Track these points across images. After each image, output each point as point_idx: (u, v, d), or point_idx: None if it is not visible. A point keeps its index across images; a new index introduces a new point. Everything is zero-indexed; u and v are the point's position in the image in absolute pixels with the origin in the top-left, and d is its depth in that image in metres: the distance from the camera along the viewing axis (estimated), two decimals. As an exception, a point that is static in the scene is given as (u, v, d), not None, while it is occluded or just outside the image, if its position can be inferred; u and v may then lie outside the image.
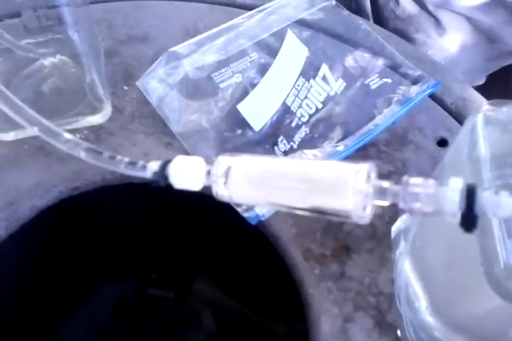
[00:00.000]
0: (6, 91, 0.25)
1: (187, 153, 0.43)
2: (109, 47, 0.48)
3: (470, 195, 0.18)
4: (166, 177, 0.23)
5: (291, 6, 0.49)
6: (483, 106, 0.26)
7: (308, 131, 0.43)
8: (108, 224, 0.64)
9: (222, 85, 0.45)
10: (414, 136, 0.44)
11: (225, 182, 0.22)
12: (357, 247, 0.39)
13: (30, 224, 0.42)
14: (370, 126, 0.42)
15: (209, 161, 0.23)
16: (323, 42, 0.47)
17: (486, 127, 0.25)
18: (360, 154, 0.42)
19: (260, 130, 0.43)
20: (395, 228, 0.38)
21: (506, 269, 0.21)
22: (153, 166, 0.23)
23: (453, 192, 0.18)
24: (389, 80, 0.44)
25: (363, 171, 0.19)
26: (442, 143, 0.44)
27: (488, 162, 0.24)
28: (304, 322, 0.38)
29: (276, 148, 0.43)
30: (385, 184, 0.19)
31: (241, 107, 0.44)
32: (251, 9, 0.48)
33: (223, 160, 0.22)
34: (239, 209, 0.39)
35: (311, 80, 0.44)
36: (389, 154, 0.43)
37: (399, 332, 0.35)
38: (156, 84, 0.44)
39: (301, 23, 0.48)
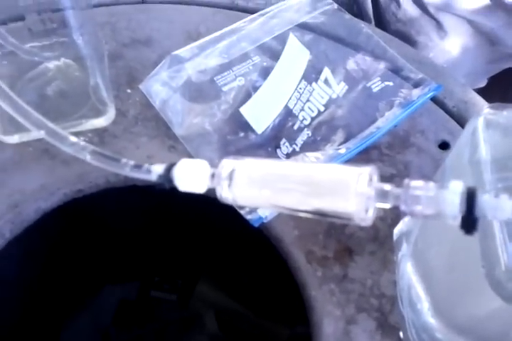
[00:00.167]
0: (13, 95, 0.25)
1: (190, 156, 0.43)
2: (113, 50, 0.48)
3: (470, 197, 0.18)
4: (170, 180, 0.23)
5: (293, 10, 0.49)
6: (484, 109, 0.27)
7: (310, 134, 0.43)
8: (111, 227, 0.65)
9: (224, 88, 0.45)
10: (416, 139, 0.44)
11: (229, 185, 0.22)
12: (359, 249, 0.39)
13: (34, 226, 0.42)
14: (372, 128, 0.42)
15: (212, 164, 0.24)
16: (325, 46, 0.47)
17: (487, 130, 0.25)
18: (362, 157, 0.42)
19: (263, 133, 0.44)
20: (397, 230, 0.39)
21: (507, 271, 0.21)
22: (158, 169, 0.23)
23: (453, 195, 0.18)
24: (391, 83, 0.45)
25: (365, 174, 0.20)
26: (444, 145, 0.44)
27: (489, 165, 0.24)
28: (307, 324, 0.39)
29: (278, 150, 0.43)
30: (387, 187, 0.20)
31: (244, 110, 0.44)
32: (253, 13, 0.49)
33: (227, 163, 0.23)
34: (242, 212, 0.39)
35: (313, 83, 0.45)
36: (391, 157, 0.43)
37: (401, 334, 0.35)
38: (159, 87, 0.45)
39: (303, 27, 0.48)
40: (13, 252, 0.42)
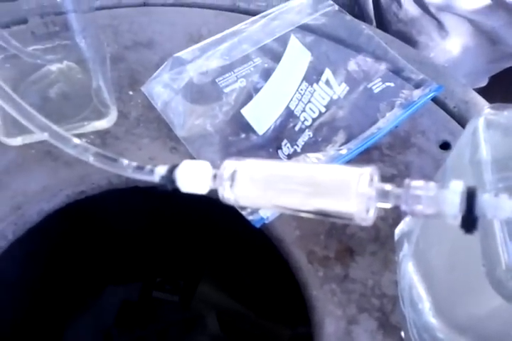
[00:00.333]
0: (16, 97, 0.26)
1: (192, 157, 0.43)
2: (115, 52, 0.49)
3: (470, 197, 0.18)
4: (173, 181, 0.23)
5: (295, 12, 0.49)
6: (485, 109, 0.27)
7: (311, 135, 0.43)
8: (113, 228, 0.65)
9: (226, 90, 0.45)
10: (417, 140, 0.45)
11: (231, 186, 0.22)
12: (360, 250, 0.39)
13: (37, 227, 0.42)
14: (373, 129, 0.43)
15: (214, 165, 0.24)
16: (326, 47, 0.47)
17: (488, 130, 0.26)
18: (363, 157, 0.42)
19: (264, 134, 0.44)
20: (398, 230, 0.39)
21: (508, 270, 0.21)
22: (161, 170, 0.24)
23: (453, 194, 0.18)
24: (391, 84, 0.45)
25: (366, 174, 0.20)
26: (445, 146, 0.44)
27: (489, 165, 0.24)
28: (308, 324, 0.39)
29: (279, 151, 0.43)
30: (388, 187, 0.20)
31: (245, 111, 0.44)
32: (254, 15, 0.49)
33: (229, 164, 0.23)
34: (243, 213, 0.39)
35: (315, 84, 0.45)
36: (392, 157, 0.44)
37: (403, 334, 0.36)
38: (161, 89, 0.45)
39: (305, 28, 0.48)
40: (15, 253, 0.43)
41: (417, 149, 0.44)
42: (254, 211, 0.39)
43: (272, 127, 0.44)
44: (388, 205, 0.20)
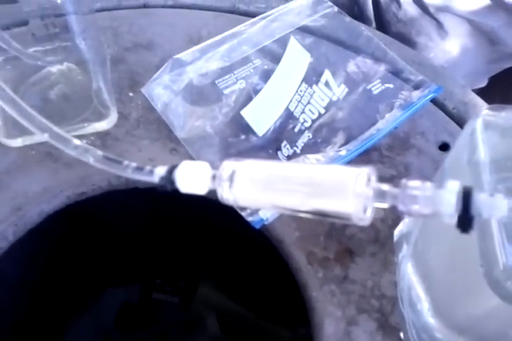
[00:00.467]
0: (17, 99, 0.26)
1: (192, 159, 0.43)
2: (115, 54, 0.49)
3: (466, 197, 0.18)
4: (172, 182, 0.23)
5: (294, 13, 0.50)
6: (483, 110, 0.27)
7: (311, 136, 0.43)
8: (113, 229, 0.65)
9: (226, 91, 0.45)
10: (416, 141, 0.45)
11: (230, 186, 0.22)
12: (360, 251, 0.40)
13: (37, 229, 0.42)
14: (372, 130, 0.43)
15: (213, 166, 0.24)
16: (326, 49, 0.48)
17: (486, 131, 0.26)
18: (362, 158, 0.42)
19: (264, 135, 0.44)
20: (397, 231, 0.39)
21: (505, 271, 0.21)
22: (160, 171, 0.24)
23: (450, 194, 0.18)
24: (391, 85, 0.45)
25: (363, 175, 0.20)
26: (444, 147, 0.45)
27: (487, 166, 0.24)
28: (308, 325, 0.39)
29: (279, 152, 0.43)
30: (385, 187, 0.20)
31: (245, 113, 0.45)
32: (254, 16, 0.49)
33: (228, 165, 0.23)
34: (243, 214, 0.40)
35: (314, 86, 0.45)
36: (391, 158, 0.44)
37: (402, 335, 0.36)
38: (161, 90, 0.45)
39: (304, 30, 0.49)
40: (16, 254, 0.43)
41: (417, 150, 0.44)
42: (254, 212, 0.40)
43: (272, 128, 0.44)
44: (385, 205, 0.20)
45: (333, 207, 0.20)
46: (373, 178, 0.20)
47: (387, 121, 0.43)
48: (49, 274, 0.63)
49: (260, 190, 0.22)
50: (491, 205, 0.18)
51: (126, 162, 0.25)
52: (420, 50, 0.74)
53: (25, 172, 0.42)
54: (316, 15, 0.50)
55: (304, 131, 0.43)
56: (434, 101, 0.47)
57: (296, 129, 0.44)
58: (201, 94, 0.45)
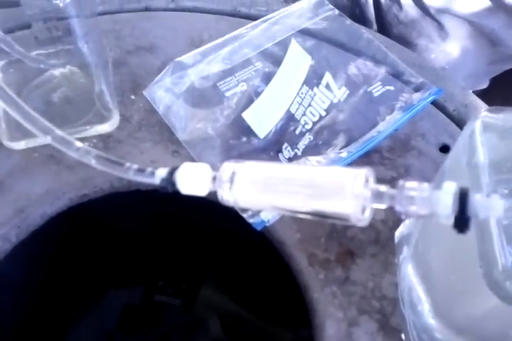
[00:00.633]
0: (20, 102, 0.26)
1: (193, 161, 0.44)
2: (117, 57, 0.49)
3: (462, 198, 0.18)
4: (173, 183, 0.23)
5: (295, 16, 0.50)
6: (482, 112, 0.27)
7: (312, 138, 0.43)
8: (115, 231, 0.65)
9: (227, 94, 0.46)
10: (417, 142, 0.45)
11: (230, 188, 0.22)
12: (361, 252, 0.40)
13: (40, 230, 0.42)
14: (373, 132, 0.43)
15: (214, 168, 0.24)
16: (327, 51, 0.48)
17: (484, 133, 0.26)
18: (363, 160, 0.43)
19: (265, 137, 0.44)
20: (398, 233, 0.39)
21: (504, 271, 0.22)
22: (161, 173, 0.24)
23: (446, 195, 0.19)
24: (391, 88, 0.45)
25: (361, 176, 0.20)
26: (445, 149, 0.45)
27: (486, 168, 0.25)
28: (310, 327, 0.39)
29: (280, 155, 0.43)
30: (382, 188, 0.20)
31: (246, 115, 0.45)
32: (255, 19, 0.49)
33: (228, 166, 0.23)
34: (244, 215, 0.40)
35: (315, 88, 0.45)
36: (392, 160, 0.44)
37: (403, 336, 0.36)
38: (163, 93, 0.45)
39: (305, 33, 0.49)
40: (19, 256, 0.43)
41: (417, 152, 0.44)
42: (255, 214, 0.40)
43: (273, 131, 0.44)
44: (383, 206, 0.20)
45: (331, 208, 0.20)
46: (371, 179, 0.21)
47: (388, 123, 0.43)
48: (52, 276, 0.63)
49: (260, 191, 0.22)
50: (487, 206, 0.18)
51: (127, 164, 0.25)
52: (421, 51, 0.74)
53: (28, 175, 0.43)
54: (316, 18, 0.50)
55: (305, 133, 0.44)
56: (434, 103, 0.47)
57: (297, 131, 0.44)
58: (203, 97, 0.46)
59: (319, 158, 0.42)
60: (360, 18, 0.78)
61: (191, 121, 0.45)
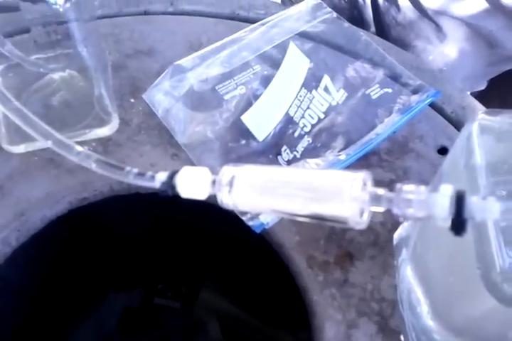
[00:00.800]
0: (19, 105, 0.26)
1: (192, 164, 0.44)
2: (116, 61, 0.49)
3: (459, 200, 0.18)
4: (173, 187, 0.24)
5: (293, 19, 0.50)
6: (479, 115, 0.27)
7: (310, 141, 0.44)
8: (115, 234, 0.65)
9: (226, 97, 0.46)
10: (415, 145, 0.45)
11: (230, 191, 0.23)
12: (360, 254, 0.40)
13: (40, 234, 0.42)
14: (371, 135, 0.43)
15: (214, 171, 0.24)
16: (325, 54, 0.48)
17: (482, 135, 0.26)
18: (361, 163, 0.43)
19: (264, 140, 0.44)
20: (396, 235, 0.39)
21: (502, 273, 0.22)
22: (161, 176, 0.24)
23: (443, 198, 0.19)
24: (389, 90, 0.45)
25: (359, 179, 0.20)
26: (443, 151, 0.45)
27: (483, 170, 0.25)
28: (309, 329, 0.39)
29: (279, 157, 0.44)
30: (380, 191, 0.20)
31: (245, 118, 0.45)
32: (254, 22, 0.50)
33: (228, 170, 0.23)
34: (244, 218, 0.40)
35: (313, 91, 0.45)
36: (390, 162, 0.44)
37: (402, 338, 0.36)
38: (162, 96, 0.45)
39: (303, 36, 0.49)
40: (19, 260, 0.43)
41: (415, 154, 0.45)
42: (255, 216, 0.40)
43: (272, 133, 0.44)
44: (381, 209, 0.20)
45: (330, 211, 0.21)
46: (369, 183, 0.21)
47: (386, 126, 0.43)
48: (51, 279, 0.63)
49: (259, 194, 0.22)
50: (483, 208, 0.18)
51: (127, 168, 0.25)
52: (419, 53, 0.74)
53: (27, 178, 0.43)
54: (315, 21, 0.50)
55: (304, 135, 0.44)
56: (432, 105, 0.47)
57: (296, 134, 0.44)
58: (202, 100, 0.46)
59: (318, 160, 0.42)
60: (358, 20, 0.78)
61: (190, 124, 0.45)
